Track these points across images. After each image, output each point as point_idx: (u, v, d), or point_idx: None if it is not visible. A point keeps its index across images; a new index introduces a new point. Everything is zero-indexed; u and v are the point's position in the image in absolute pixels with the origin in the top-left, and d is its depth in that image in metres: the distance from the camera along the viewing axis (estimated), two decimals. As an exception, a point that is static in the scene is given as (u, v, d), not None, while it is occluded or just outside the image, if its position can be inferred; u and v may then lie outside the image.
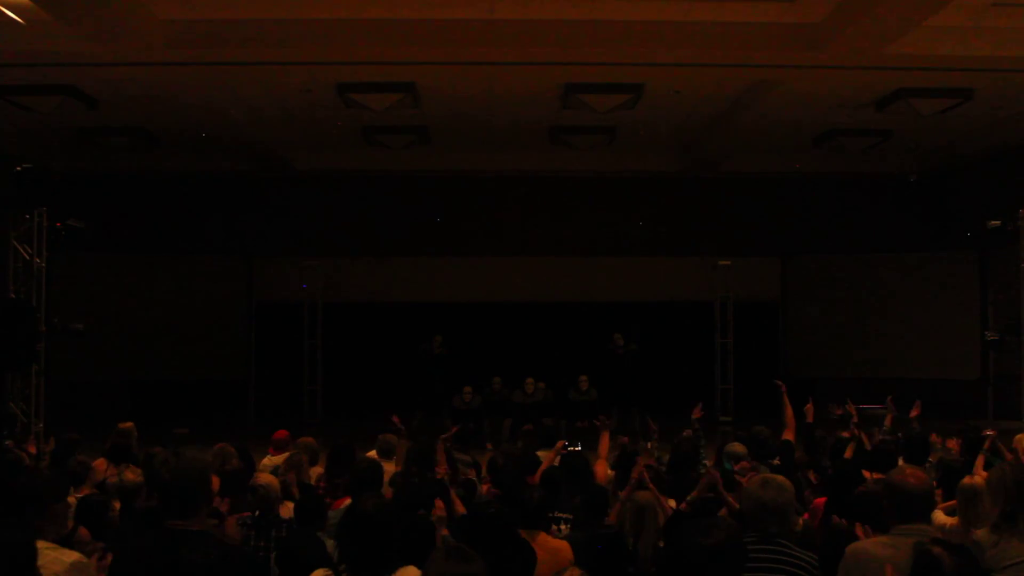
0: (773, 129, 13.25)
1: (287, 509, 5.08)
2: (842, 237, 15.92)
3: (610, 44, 9.48)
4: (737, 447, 6.44)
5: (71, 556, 3.18)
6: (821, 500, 5.03)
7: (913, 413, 7.13)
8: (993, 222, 11.54)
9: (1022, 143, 13.45)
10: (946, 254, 15.51)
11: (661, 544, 4.09)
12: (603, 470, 6.14)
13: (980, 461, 5.75)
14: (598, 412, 12.63)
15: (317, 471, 6.64)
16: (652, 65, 10.24)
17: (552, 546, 4.25)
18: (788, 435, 6.70)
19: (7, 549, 2.75)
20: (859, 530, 3.94)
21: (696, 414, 7.00)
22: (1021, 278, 11.10)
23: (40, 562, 3.06)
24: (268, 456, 7.50)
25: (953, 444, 7.08)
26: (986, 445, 6.00)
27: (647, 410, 12.75)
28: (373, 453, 7.07)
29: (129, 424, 7.38)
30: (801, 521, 4.49)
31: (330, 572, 3.10)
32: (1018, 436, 6.77)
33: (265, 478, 5.02)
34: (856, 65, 9.98)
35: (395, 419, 7.50)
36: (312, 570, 3.24)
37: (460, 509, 4.91)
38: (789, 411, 6.83)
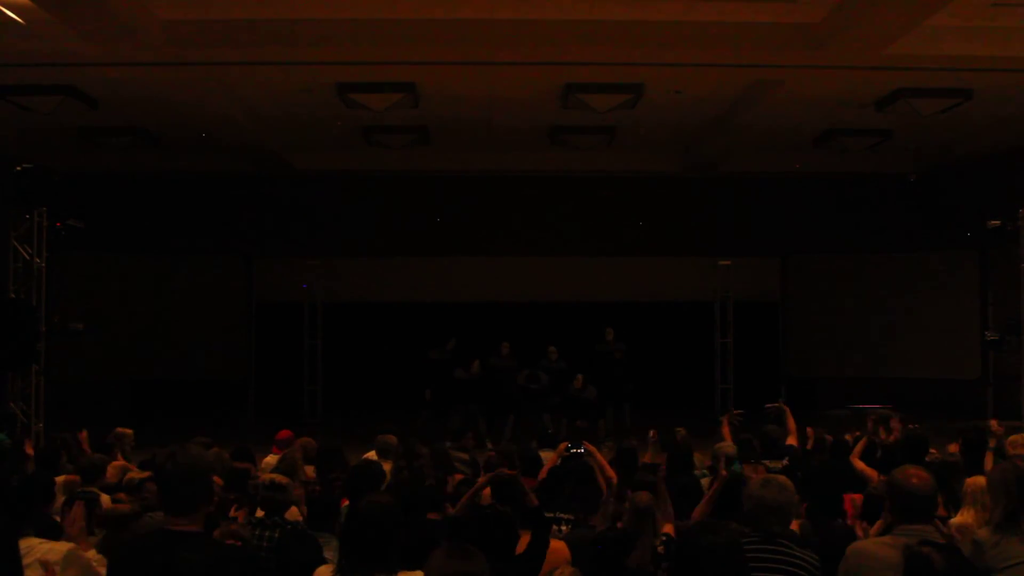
0: (773, 129, 13.24)
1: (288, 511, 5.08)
2: (842, 237, 15.92)
3: (610, 44, 9.47)
4: (727, 447, 6.44)
5: (65, 547, 3.20)
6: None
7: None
8: (993, 222, 11.53)
9: (1022, 143, 13.45)
10: (946, 254, 15.51)
11: (660, 549, 4.08)
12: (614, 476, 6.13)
13: (989, 458, 5.73)
14: (596, 410, 12.62)
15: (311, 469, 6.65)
16: (652, 65, 10.24)
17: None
18: (792, 440, 6.77)
19: None
20: (859, 529, 3.94)
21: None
22: (1021, 278, 11.10)
23: (36, 555, 3.08)
24: (271, 455, 7.51)
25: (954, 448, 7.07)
26: (992, 443, 5.98)
27: (637, 408, 12.87)
28: (372, 454, 7.07)
29: (128, 431, 7.35)
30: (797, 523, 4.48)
31: (335, 568, 3.10)
32: (1012, 437, 6.74)
33: (282, 477, 4.99)
34: (856, 65, 9.97)
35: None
36: (311, 570, 3.24)
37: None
38: (791, 421, 6.90)
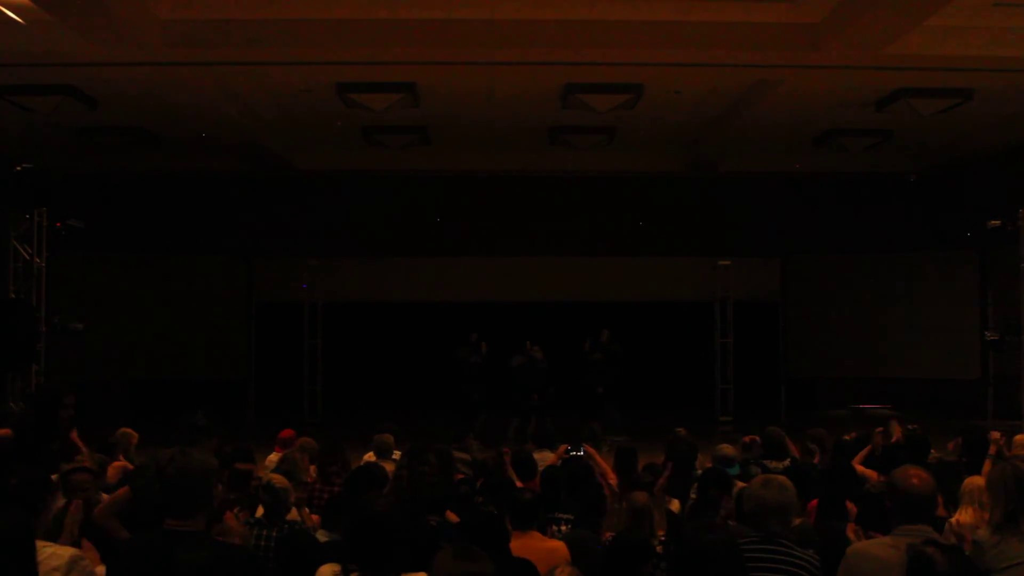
0: (773, 129, 13.24)
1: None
2: (842, 237, 15.92)
3: (610, 44, 9.48)
4: (727, 449, 6.44)
5: (69, 551, 3.19)
6: (813, 502, 5.02)
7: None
8: (993, 222, 11.53)
9: (1022, 143, 13.45)
10: (946, 254, 15.51)
11: (659, 549, 4.08)
12: (614, 479, 6.13)
13: (988, 467, 5.71)
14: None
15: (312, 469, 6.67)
16: (652, 65, 10.25)
17: (546, 546, 4.24)
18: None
19: (5, 531, 2.77)
20: (850, 531, 3.93)
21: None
22: (1021, 278, 11.10)
23: (39, 558, 3.07)
24: (274, 453, 7.53)
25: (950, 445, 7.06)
26: (992, 451, 5.96)
27: (637, 408, 12.86)
28: (371, 455, 7.08)
29: (132, 432, 7.35)
30: (799, 521, 4.48)
31: (339, 569, 3.10)
32: (1017, 437, 6.75)
33: (280, 480, 4.99)
34: (856, 65, 9.98)
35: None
36: (311, 570, 3.24)
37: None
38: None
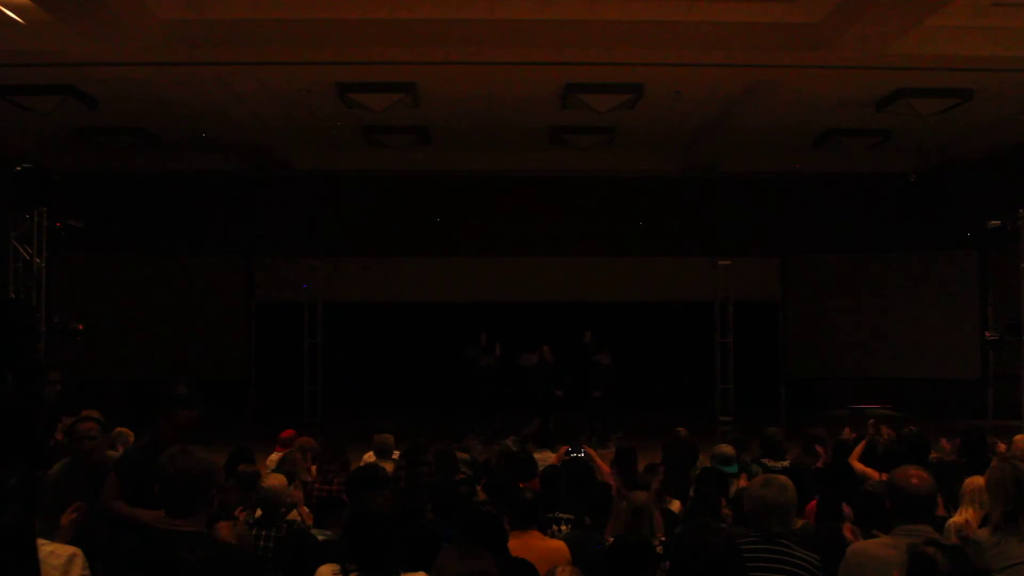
0: (773, 129, 13.24)
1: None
2: (842, 237, 15.92)
3: (610, 44, 9.48)
4: (726, 448, 6.44)
5: (67, 550, 3.19)
6: (813, 503, 5.02)
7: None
8: (993, 222, 11.53)
9: (1022, 143, 13.44)
10: (946, 254, 15.52)
11: (659, 549, 4.07)
12: (613, 481, 6.13)
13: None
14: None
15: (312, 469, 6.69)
16: (652, 65, 10.25)
17: (547, 546, 4.24)
18: None
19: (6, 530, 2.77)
20: (847, 531, 3.93)
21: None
22: (1021, 278, 11.09)
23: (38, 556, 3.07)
24: (275, 453, 7.54)
25: (947, 444, 7.06)
26: (993, 463, 5.96)
27: (638, 408, 12.82)
28: (371, 455, 7.08)
29: (128, 431, 7.35)
30: (800, 522, 4.48)
31: (338, 569, 3.10)
32: (1018, 437, 6.75)
33: (273, 479, 5.00)
34: (856, 65, 9.98)
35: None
36: (311, 570, 3.24)
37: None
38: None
